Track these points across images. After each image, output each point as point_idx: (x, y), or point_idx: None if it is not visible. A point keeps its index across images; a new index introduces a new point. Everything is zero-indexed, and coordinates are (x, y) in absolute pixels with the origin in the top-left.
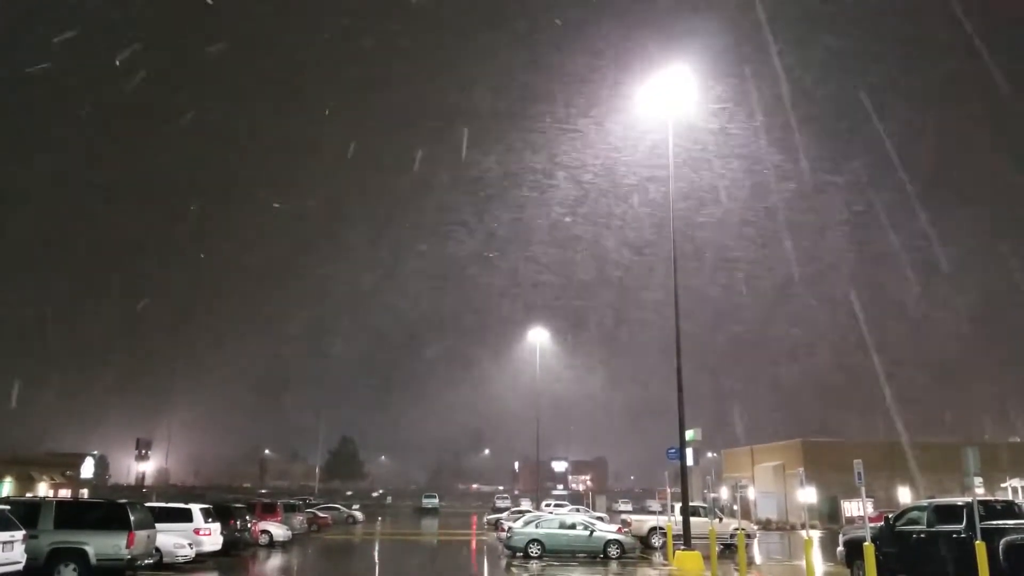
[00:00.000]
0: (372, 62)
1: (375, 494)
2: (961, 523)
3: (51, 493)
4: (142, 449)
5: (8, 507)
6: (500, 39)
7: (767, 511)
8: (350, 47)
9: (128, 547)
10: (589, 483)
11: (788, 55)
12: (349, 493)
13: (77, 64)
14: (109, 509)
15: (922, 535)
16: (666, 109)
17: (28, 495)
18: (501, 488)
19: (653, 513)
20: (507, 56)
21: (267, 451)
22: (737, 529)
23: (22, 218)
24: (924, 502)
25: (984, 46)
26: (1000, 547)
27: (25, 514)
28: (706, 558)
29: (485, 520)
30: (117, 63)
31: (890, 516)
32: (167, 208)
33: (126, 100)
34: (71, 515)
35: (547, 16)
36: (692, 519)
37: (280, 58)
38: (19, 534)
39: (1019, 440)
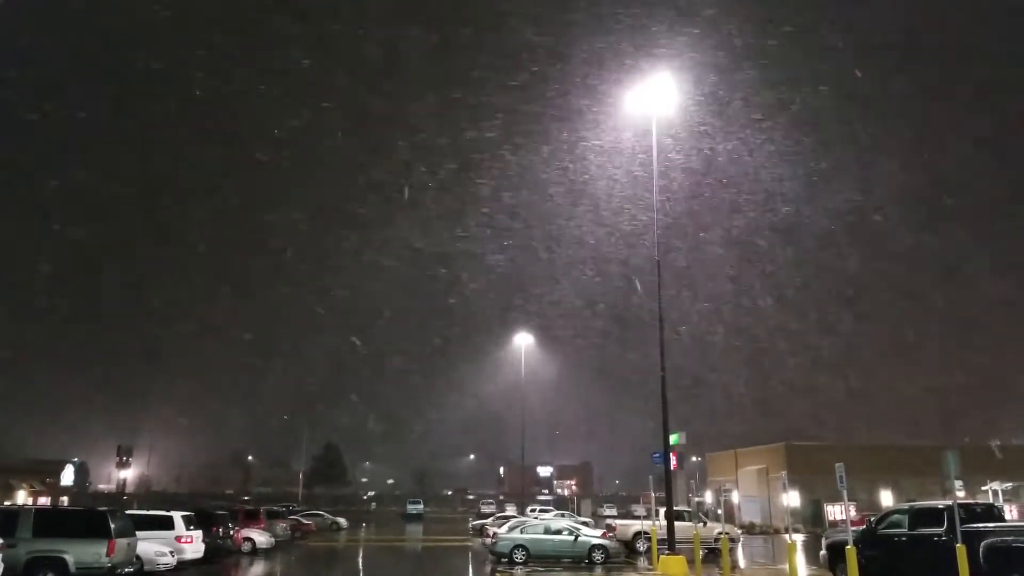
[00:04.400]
0: (364, 74)
1: (367, 495)
2: (942, 526)
3: (30, 501)
4: (123, 456)
5: None
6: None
7: (751, 515)
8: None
9: (108, 555)
10: (574, 487)
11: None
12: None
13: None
14: (89, 517)
15: (903, 538)
16: (651, 108)
17: (6, 503)
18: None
19: (638, 518)
20: (502, 65)
21: (250, 457)
22: (721, 533)
23: (3, 224)
24: (905, 505)
25: (972, 51)
26: (980, 550)
27: (3, 523)
28: (690, 562)
29: (470, 525)
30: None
31: (872, 519)
32: (150, 215)
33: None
34: (50, 523)
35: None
36: (677, 523)
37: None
38: None
39: (999, 443)
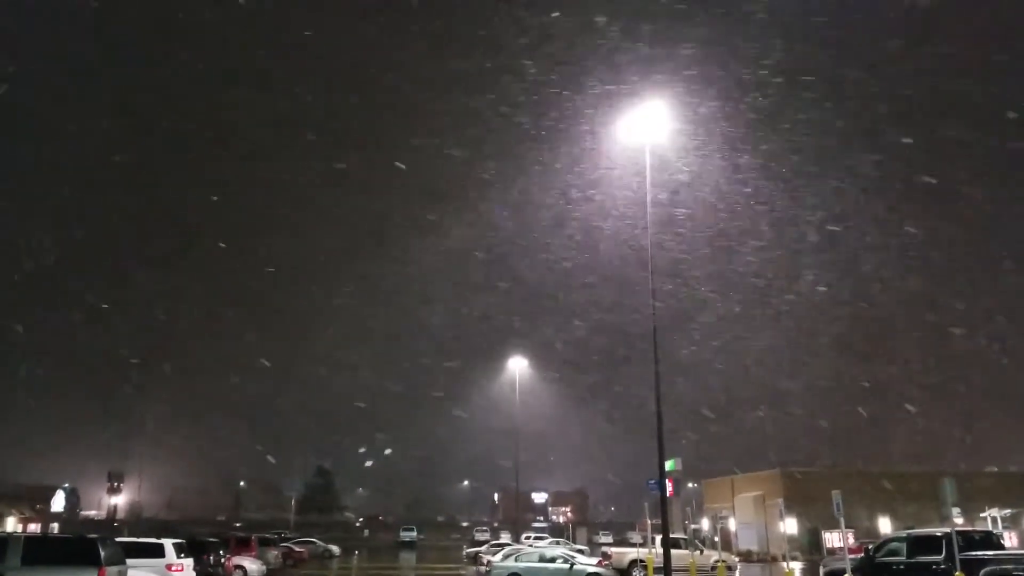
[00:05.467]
0: (360, 105)
1: (359, 522)
2: (940, 554)
3: (20, 528)
4: (114, 481)
5: None
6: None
7: (748, 542)
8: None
9: None
10: (570, 514)
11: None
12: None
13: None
14: (79, 544)
15: (902, 566)
16: (644, 137)
17: None
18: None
19: (634, 545)
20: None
21: (242, 483)
22: (718, 561)
23: None
24: (903, 533)
25: (958, 74)
26: None
27: None
28: None
29: (464, 553)
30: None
31: (870, 547)
32: (145, 238)
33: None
34: (39, 551)
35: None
36: (673, 551)
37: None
38: None
39: (997, 470)
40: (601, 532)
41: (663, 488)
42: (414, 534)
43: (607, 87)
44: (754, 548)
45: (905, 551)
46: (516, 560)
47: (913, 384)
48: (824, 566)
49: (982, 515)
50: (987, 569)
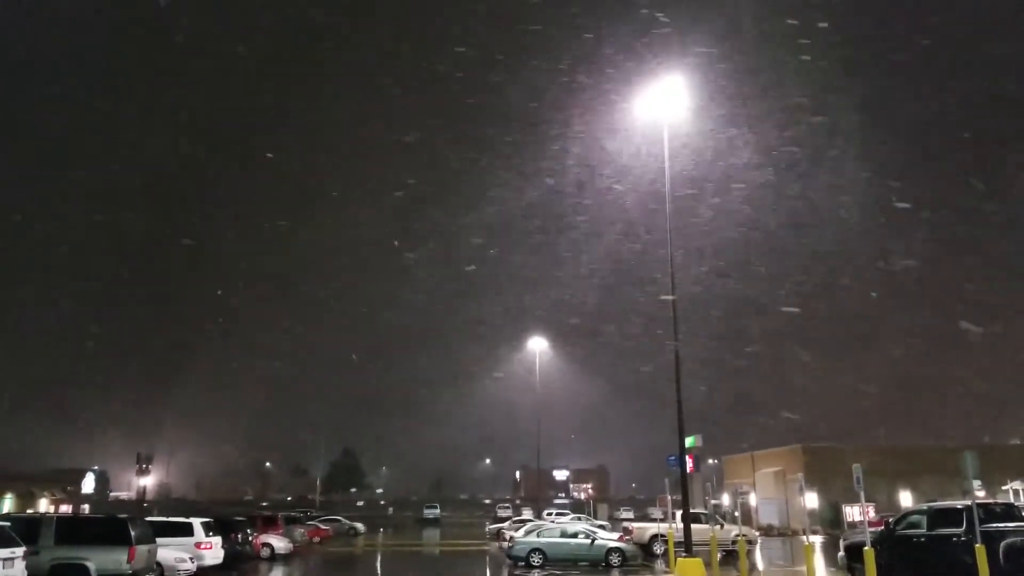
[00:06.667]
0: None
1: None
2: (961, 526)
3: (52, 509)
4: (143, 463)
5: (8, 523)
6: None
7: (769, 517)
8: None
9: (129, 562)
10: (591, 491)
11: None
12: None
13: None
14: (110, 524)
15: (922, 539)
16: (662, 112)
17: (29, 511)
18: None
19: (655, 520)
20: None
21: (268, 464)
22: (739, 535)
23: (24, 236)
24: (924, 506)
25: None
26: (1000, 549)
27: (26, 530)
28: (708, 565)
29: (487, 530)
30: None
31: (891, 520)
32: (170, 221)
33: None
34: (72, 531)
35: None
36: (693, 526)
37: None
38: (20, 551)
39: (1019, 442)
40: (622, 508)
41: (683, 463)
42: (437, 511)
43: (630, 59)
44: (775, 523)
45: (925, 524)
46: (538, 536)
47: (938, 358)
48: (844, 539)
49: (1004, 487)
50: (1008, 540)
